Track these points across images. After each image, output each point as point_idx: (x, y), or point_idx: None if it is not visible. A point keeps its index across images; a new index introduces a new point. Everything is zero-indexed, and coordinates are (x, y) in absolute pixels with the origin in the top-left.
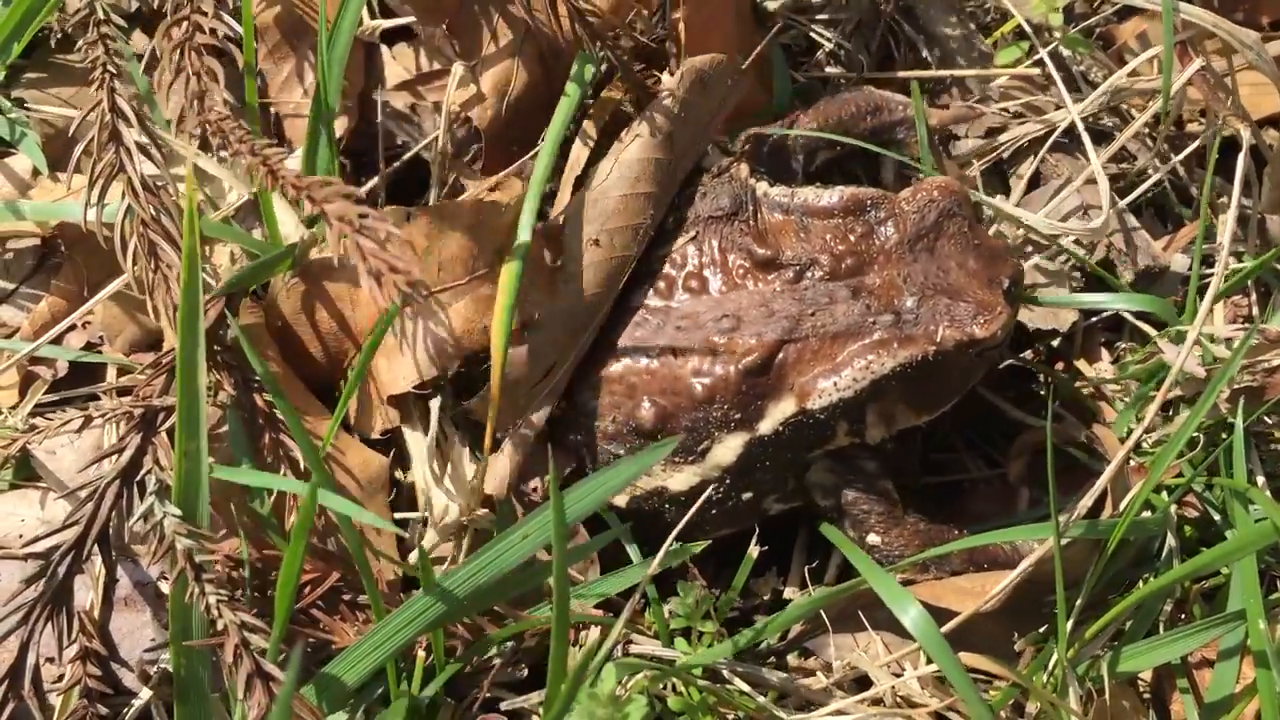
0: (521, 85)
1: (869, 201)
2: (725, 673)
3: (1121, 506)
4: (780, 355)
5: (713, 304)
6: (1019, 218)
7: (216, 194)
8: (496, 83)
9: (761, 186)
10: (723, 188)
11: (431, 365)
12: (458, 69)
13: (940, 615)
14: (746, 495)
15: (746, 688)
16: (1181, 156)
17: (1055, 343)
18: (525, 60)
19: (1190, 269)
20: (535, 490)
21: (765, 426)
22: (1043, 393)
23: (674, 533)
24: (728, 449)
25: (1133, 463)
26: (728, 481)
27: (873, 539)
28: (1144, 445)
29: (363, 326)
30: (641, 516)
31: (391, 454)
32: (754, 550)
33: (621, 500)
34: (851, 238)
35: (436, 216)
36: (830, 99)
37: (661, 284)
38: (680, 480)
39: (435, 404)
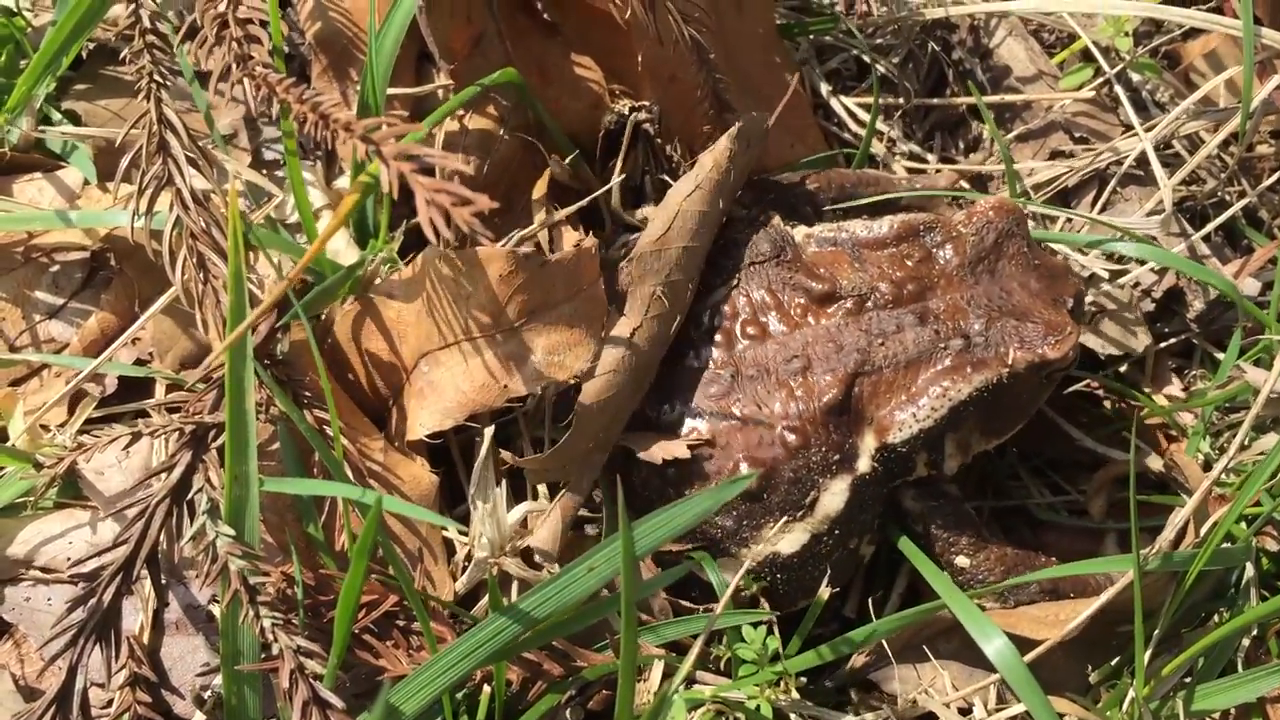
0: (504, 151)
1: (922, 227)
2: (791, 716)
3: (1201, 535)
4: (855, 389)
5: (778, 347)
6: (1081, 217)
7: (276, 215)
8: (482, 142)
9: (800, 230)
10: (759, 235)
11: (446, 417)
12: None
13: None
14: (852, 544)
15: None
16: (1268, 184)
17: (1123, 368)
18: (509, 130)
19: (1263, 295)
20: None
21: (863, 464)
22: (1110, 418)
23: (741, 570)
24: (835, 495)
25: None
26: (836, 533)
27: (961, 561)
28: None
29: (409, 359)
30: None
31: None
32: (824, 592)
33: (736, 578)
34: (909, 263)
35: (468, 263)
36: (838, 170)
37: (719, 337)
38: (791, 540)
39: (488, 432)
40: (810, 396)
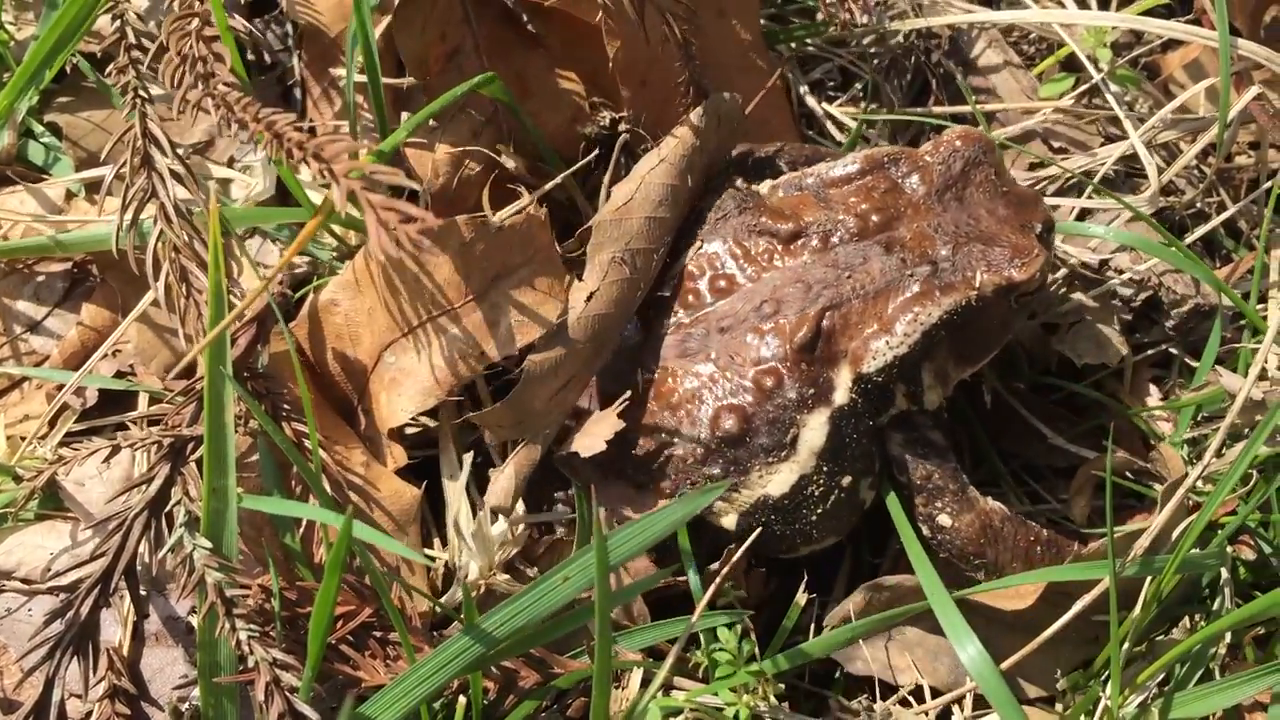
0: (477, 165)
1: (886, 158)
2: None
3: (1172, 541)
4: (826, 324)
5: (747, 294)
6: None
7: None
8: (454, 156)
9: (765, 184)
10: (723, 197)
11: (428, 395)
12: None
13: (974, 614)
14: (846, 480)
15: None
16: (1252, 197)
17: (1101, 378)
18: (483, 143)
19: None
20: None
21: (840, 396)
22: (1087, 426)
23: (727, 567)
24: (815, 431)
25: (1190, 500)
26: (825, 470)
27: (943, 520)
28: (1198, 484)
29: (369, 357)
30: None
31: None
32: (801, 598)
33: (730, 522)
34: (875, 195)
35: (429, 238)
36: (814, 145)
37: (690, 298)
38: (780, 481)
39: (468, 459)
40: (783, 338)
